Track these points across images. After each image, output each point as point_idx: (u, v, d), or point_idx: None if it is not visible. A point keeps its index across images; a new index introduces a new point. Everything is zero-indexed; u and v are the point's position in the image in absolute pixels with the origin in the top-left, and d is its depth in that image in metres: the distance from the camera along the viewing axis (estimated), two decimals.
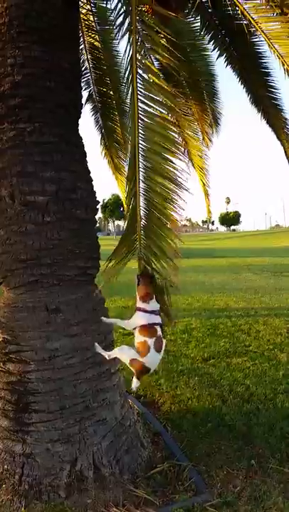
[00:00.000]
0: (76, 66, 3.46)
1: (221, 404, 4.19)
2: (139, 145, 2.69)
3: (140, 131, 2.69)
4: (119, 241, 2.98)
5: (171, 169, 2.71)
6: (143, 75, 2.69)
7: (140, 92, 2.68)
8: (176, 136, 2.85)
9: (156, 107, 2.72)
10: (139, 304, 2.80)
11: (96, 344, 3.01)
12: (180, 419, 3.88)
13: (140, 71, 2.68)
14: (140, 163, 2.71)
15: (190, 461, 3.19)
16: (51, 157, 3.02)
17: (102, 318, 3.13)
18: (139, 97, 2.67)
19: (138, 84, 2.67)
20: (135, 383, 2.82)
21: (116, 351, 2.91)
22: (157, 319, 2.78)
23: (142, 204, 2.77)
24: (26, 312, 2.97)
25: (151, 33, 2.65)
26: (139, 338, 2.74)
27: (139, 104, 2.67)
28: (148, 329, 2.73)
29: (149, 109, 2.71)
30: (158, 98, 2.69)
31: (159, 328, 2.75)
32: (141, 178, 2.73)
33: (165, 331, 6.12)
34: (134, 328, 2.79)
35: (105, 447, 2.99)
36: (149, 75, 2.69)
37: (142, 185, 2.74)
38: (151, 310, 2.78)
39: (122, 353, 2.85)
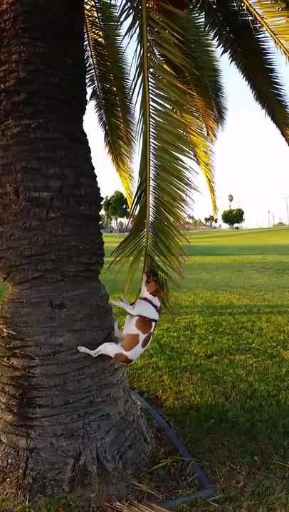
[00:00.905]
0: (80, 62, 3.45)
1: (224, 401, 4.20)
2: (150, 143, 2.68)
3: (151, 129, 2.68)
4: (125, 237, 2.99)
5: (181, 168, 2.71)
6: (154, 72, 2.66)
7: (152, 90, 2.66)
8: (185, 134, 2.84)
9: (167, 105, 2.70)
10: (149, 297, 2.93)
11: (80, 347, 3.01)
12: (183, 415, 3.90)
13: (151, 69, 2.65)
14: (151, 162, 2.71)
15: (193, 457, 3.21)
16: (55, 153, 3.03)
17: (110, 301, 3.18)
18: (151, 95, 2.65)
19: (149, 83, 2.65)
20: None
21: (100, 348, 2.98)
22: (157, 316, 2.97)
23: (151, 202, 2.77)
24: (31, 307, 2.98)
25: (160, 31, 2.63)
26: (132, 329, 2.91)
27: (151, 102, 2.66)
28: (146, 323, 2.92)
29: (160, 108, 2.69)
30: (169, 96, 2.68)
31: (154, 325, 2.96)
32: (151, 176, 2.73)
33: (169, 328, 6.13)
34: (133, 316, 2.94)
35: (109, 442, 3.01)
36: (161, 74, 2.66)
37: (151, 183, 2.74)
38: (156, 305, 2.95)
39: (106, 350, 2.97)
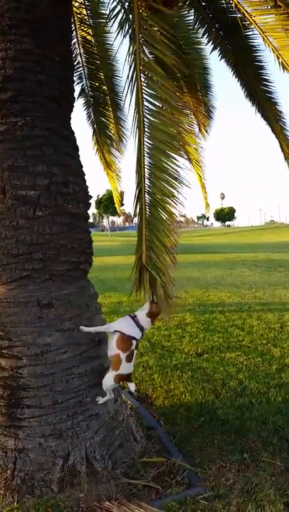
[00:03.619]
0: (68, 60, 3.42)
1: (214, 399, 4.21)
2: (144, 142, 2.67)
3: (146, 128, 2.67)
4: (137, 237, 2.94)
5: (173, 166, 2.69)
6: (147, 73, 2.65)
7: (144, 90, 2.64)
8: (177, 133, 2.81)
9: (159, 104, 2.70)
10: (141, 316, 2.88)
11: (82, 327, 3.01)
12: (173, 414, 3.90)
13: (143, 69, 2.63)
14: (145, 160, 2.70)
15: (183, 455, 3.21)
16: (43, 151, 3.00)
17: (81, 327, 3.02)
18: (144, 95, 2.64)
19: (142, 83, 2.63)
20: (131, 386, 3.05)
21: (103, 381, 2.96)
22: (139, 335, 2.90)
23: (146, 200, 2.75)
24: (18, 307, 2.95)
25: (150, 30, 2.61)
26: (113, 349, 2.87)
27: (145, 103, 2.65)
28: (125, 341, 2.85)
29: (152, 107, 2.68)
30: (161, 95, 2.67)
31: (134, 343, 2.88)
32: (146, 175, 2.71)
33: (159, 327, 6.07)
34: (114, 332, 2.89)
35: (98, 442, 3.00)
36: (153, 74, 2.65)
37: (146, 182, 2.72)
38: (141, 326, 2.89)
39: (106, 382, 2.95)
